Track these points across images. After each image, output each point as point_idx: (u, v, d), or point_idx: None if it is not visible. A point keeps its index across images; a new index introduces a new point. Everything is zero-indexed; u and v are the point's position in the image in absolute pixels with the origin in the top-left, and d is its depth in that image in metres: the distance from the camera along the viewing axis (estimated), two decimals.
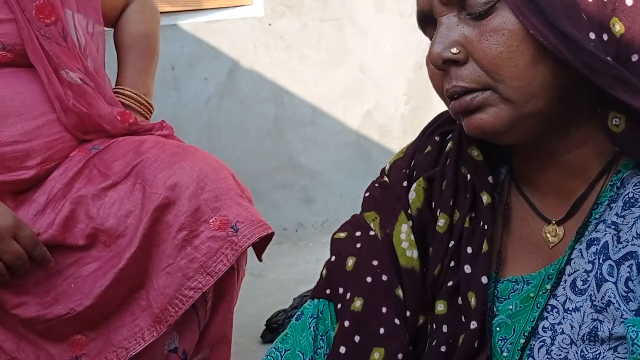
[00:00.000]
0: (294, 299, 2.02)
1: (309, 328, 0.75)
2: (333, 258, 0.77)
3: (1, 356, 1.01)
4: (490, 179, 0.71)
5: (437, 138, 0.77)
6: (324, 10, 3.03)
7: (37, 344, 1.05)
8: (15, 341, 1.03)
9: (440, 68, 0.64)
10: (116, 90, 1.30)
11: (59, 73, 1.13)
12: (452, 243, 0.71)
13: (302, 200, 3.12)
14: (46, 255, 1.05)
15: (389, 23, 3.11)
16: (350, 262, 0.74)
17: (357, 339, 0.71)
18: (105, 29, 1.32)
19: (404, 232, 0.73)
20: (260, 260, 1.19)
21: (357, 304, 0.72)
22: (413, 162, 0.78)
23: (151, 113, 1.37)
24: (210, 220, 1.06)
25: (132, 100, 1.31)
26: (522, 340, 0.66)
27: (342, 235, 0.78)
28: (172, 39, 2.84)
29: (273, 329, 1.93)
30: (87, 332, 1.08)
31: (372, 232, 0.76)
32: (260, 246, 1.16)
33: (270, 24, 3.00)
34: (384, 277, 0.72)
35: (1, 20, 1.09)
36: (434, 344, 0.70)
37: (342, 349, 0.72)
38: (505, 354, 0.67)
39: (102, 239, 1.08)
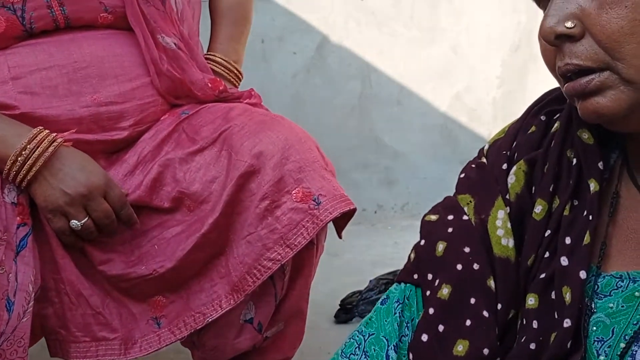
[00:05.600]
0: (370, 281, 1.99)
1: (395, 313, 0.72)
2: (422, 242, 0.73)
3: (87, 310, 1.04)
4: (600, 164, 0.65)
5: (542, 117, 0.71)
6: None
7: (120, 302, 1.08)
8: (101, 297, 1.06)
9: (553, 44, 0.59)
10: (207, 56, 1.31)
11: (156, 37, 1.14)
12: (548, 232, 0.66)
13: (383, 181, 3.07)
14: (133, 216, 1.07)
15: (486, 2, 2.98)
16: (441, 247, 0.70)
17: (441, 328, 0.67)
18: None
19: (500, 219, 0.68)
20: (340, 237, 1.17)
21: (445, 291, 0.68)
22: (515, 143, 0.72)
23: (240, 80, 1.37)
24: (293, 192, 1.05)
25: (222, 67, 1.32)
26: (622, 345, 0.60)
27: (433, 217, 0.73)
28: (264, 12, 2.84)
29: (347, 309, 1.91)
30: (167, 294, 1.10)
31: (465, 217, 0.71)
32: (341, 222, 1.14)
33: (362, 0, 2.95)
34: (476, 266, 0.68)
35: None
36: (522, 340, 0.65)
37: (425, 337, 0.68)
38: (602, 357, 0.61)
39: (186, 203, 1.09)
